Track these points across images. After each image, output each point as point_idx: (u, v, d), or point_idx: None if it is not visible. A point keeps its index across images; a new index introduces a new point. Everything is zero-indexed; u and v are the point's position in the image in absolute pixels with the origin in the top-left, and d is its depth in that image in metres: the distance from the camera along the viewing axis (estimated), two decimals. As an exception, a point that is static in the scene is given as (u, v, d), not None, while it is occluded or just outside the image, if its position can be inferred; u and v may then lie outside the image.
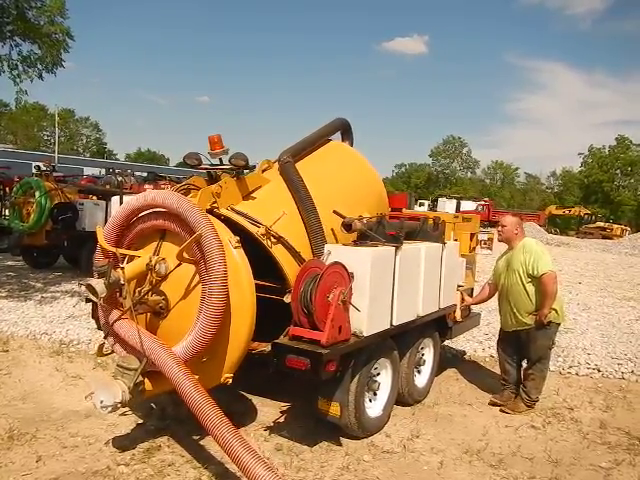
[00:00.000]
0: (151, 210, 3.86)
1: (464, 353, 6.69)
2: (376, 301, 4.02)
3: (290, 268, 4.09)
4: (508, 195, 75.27)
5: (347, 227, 4.38)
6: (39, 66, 10.50)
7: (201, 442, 3.99)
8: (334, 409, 3.95)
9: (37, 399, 4.75)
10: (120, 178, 13.71)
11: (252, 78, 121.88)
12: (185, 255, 3.69)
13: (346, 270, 3.85)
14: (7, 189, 14.37)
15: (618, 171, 60.74)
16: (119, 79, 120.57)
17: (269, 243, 4.07)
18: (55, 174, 12.61)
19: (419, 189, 70.07)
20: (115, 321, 3.86)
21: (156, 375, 3.68)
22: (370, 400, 4.29)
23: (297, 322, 3.76)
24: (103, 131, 79.58)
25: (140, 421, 4.33)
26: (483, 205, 39.53)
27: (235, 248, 3.76)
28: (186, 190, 4.44)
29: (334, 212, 4.56)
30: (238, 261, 3.74)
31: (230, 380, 3.80)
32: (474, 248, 6.01)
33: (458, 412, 4.89)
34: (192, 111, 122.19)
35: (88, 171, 31.83)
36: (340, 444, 4.08)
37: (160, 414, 4.48)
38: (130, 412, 4.37)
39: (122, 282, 3.70)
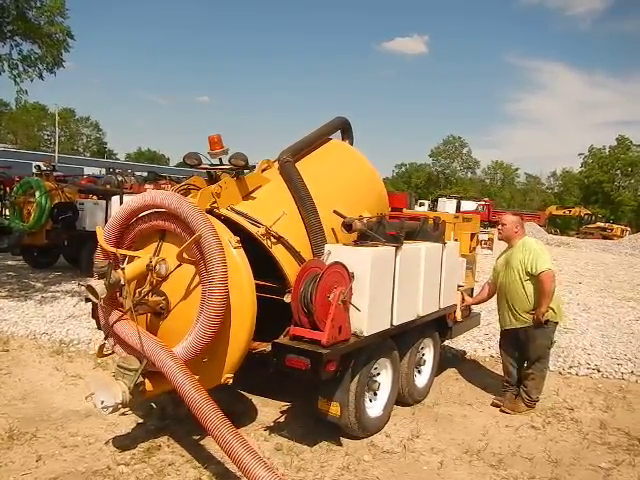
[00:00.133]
0: (151, 210, 3.86)
1: (464, 353, 6.69)
2: (376, 301, 4.02)
3: (290, 268, 4.09)
4: (508, 195, 75.29)
5: (347, 227, 4.38)
6: (39, 66, 10.51)
7: (201, 442, 3.99)
8: (334, 409, 3.95)
9: (37, 399, 4.76)
10: (120, 178, 13.69)
11: (252, 78, 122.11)
12: (185, 256, 3.69)
13: (346, 270, 3.85)
14: (7, 189, 14.37)
15: (618, 171, 60.70)
16: (119, 79, 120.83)
17: (269, 243, 4.07)
18: (55, 174, 12.60)
19: (419, 189, 70.08)
20: (115, 322, 3.86)
21: (156, 375, 3.68)
22: (370, 400, 4.29)
23: (297, 322, 3.76)
24: (103, 131, 79.75)
25: (140, 421, 4.33)
26: (483, 205, 39.52)
27: (235, 248, 3.77)
28: (186, 190, 4.44)
29: (334, 212, 4.56)
30: (238, 261, 3.74)
31: (231, 380, 3.81)
32: (474, 248, 6.01)
33: (458, 412, 4.89)
34: (192, 111, 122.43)
35: (88, 171, 31.82)
36: (340, 444, 4.08)
37: (160, 414, 4.49)
38: (130, 412, 4.37)
39: (122, 283, 3.70)
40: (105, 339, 4.08)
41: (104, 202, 11.10)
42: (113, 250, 3.88)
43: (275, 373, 3.86)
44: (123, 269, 3.76)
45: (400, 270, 4.25)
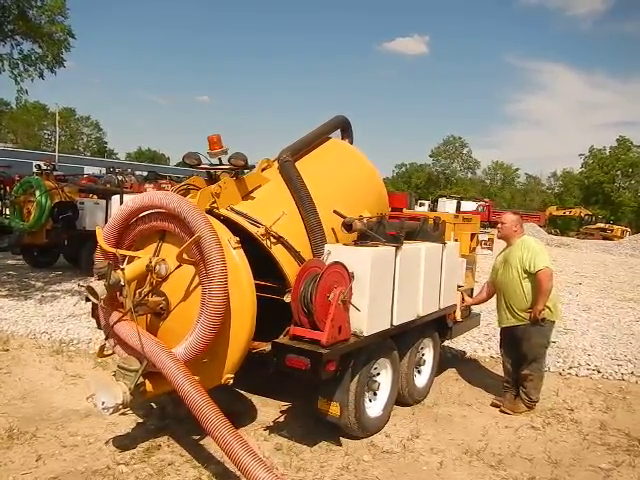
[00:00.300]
0: (150, 211, 3.86)
1: (464, 353, 6.69)
2: (376, 301, 4.02)
3: (290, 268, 4.08)
4: (508, 196, 75.23)
5: (347, 227, 4.38)
6: (40, 65, 10.52)
7: (201, 442, 4.00)
8: (334, 409, 3.95)
9: (37, 398, 4.76)
10: (120, 177, 13.70)
11: (252, 78, 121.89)
12: (185, 256, 3.68)
13: (346, 270, 3.85)
14: (8, 188, 14.37)
15: (619, 172, 60.67)
16: (119, 79, 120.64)
17: (269, 243, 4.07)
18: (55, 173, 12.61)
19: (419, 189, 70.03)
20: (115, 322, 3.86)
21: (157, 376, 3.68)
22: (370, 400, 4.29)
23: (297, 322, 3.76)
24: (104, 130, 79.67)
25: (140, 420, 4.33)
26: (483, 206, 39.52)
27: (235, 249, 3.76)
28: (185, 190, 4.44)
29: (334, 212, 4.56)
30: (238, 262, 3.74)
31: (231, 380, 3.81)
32: (474, 248, 6.01)
33: (458, 412, 4.89)
34: (192, 111, 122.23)
35: (88, 170, 31.80)
36: (340, 444, 4.08)
37: (160, 413, 4.49)
38: (130, 411, 4.37)
39: (122, 283, 3.70)
40: (105, 339, 4.08)
41: (104, 202, 11.12)
42: (113, 250, 3.88)
43: (275, 373, 3.86)
44: (123, 270, 3.75)
45: (400, 270, 4.25)
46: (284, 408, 4.73)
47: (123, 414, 4.26)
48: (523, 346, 4.82)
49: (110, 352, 4.15)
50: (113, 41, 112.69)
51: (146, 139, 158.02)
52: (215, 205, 4.16)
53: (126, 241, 3.99)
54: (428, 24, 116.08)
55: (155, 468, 3.62)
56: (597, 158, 61.16)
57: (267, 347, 3.92)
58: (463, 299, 5.53)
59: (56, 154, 42.28)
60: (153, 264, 3.78)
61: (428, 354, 5.20)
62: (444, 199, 42.07)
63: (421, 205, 37.98)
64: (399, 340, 4.52)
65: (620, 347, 7.00)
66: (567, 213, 46.00)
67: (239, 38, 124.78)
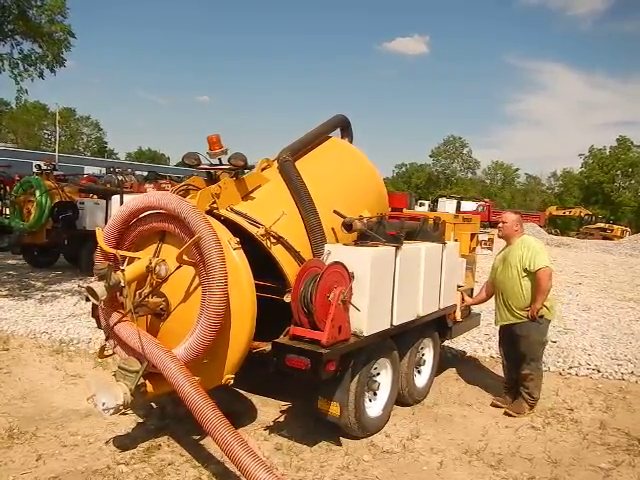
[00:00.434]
0: (150, 212, 3.86)
1: (464, 353, 6.69)
2: (376, 301, 4.02)
3: (290, 268, 4.09)
4: (508, 196, 75.20)
5: (347, 227, 4.38)
6: (40, 65, 10.53)
7: (201, 441, 4.00)
8: (334, 409, 3.95)
9: (37, 398, 4.76)
10: (120, 177, 13.71)
11: (252, 78, 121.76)
12: (185, 257, 3.68)
13: (346, 270, 3.85)
14: (8, 188, 14.38)
15: (619, 172, 60.67)
16: (120, 79, 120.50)
17: (269, 243, 4.07)
18: (56, 173, 12.62)
19: (419, 189, 70.00)
20: (116, 323, 3.86)
21: (157, 377, 3.68)
22: (370, 400, 4.29)
23: (297, 322, 3.77)
24: (104, 130, 79.63)
25: (140, 420, 4.33)
26: (483, 206, 39.50)
27: (235, 249, 3.76)
28: (185, 191, 4.44)
29: (334, 212, 4.56)
30: (238, 262, 3.74)
31: (231, 381, 3.81)
32: (474, 248, 6.01)
33: (458, 412, 4.89)
34: (192, 111, 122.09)
35: (89, 170, 31.81)
36: (340, 444, 4.08)
37: (160, 413, 4.49)
38: (130, 411, 4.35)
39: (122, 284, 3.70)
40: (106, 340, 4.09)
41: (104, 201, 11.12)
42: (113, 251, 3.88)
43: (275, 373, 3.86)
44: (123, 270, 3.75)
45: (400, 270, 4.25)
46: (284, 408, 4.73)
47: (123, 414, 4.25)
48: (521, 344, 4.82)
49: (111, 353, 4.15)
50: (113, 41, 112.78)
51: (146, 139, 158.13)
52: (215, 205, 4.16)
53: (126, 242, 3.99)
54: (428, 24, 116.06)
55: (155, 468, 3.63)
56: (597, 158, 61.16)
57: (267, 347, 3.93)
58: (463, 299, 5.54)
59: (56, 154, 42.28)
60: (153, 265, 3.78)
61: (428, 354, 5.20)
62: (444, 199, 42.02)
63: (421, 205, 37.95)
64: (399, 340, 4.52)
65: (620, 347, 7.00)
66: (567, 213, 45.98)
67: (239, 38, 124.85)
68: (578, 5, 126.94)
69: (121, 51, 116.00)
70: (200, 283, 3.64)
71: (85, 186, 12.98)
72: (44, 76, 10.77)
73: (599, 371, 6.10)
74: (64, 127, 68.82)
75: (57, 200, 11.17)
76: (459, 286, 5.46)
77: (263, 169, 4.86)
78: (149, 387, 3.76)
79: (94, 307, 4.40)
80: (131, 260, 3.95)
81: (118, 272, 3.72)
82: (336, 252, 4.02)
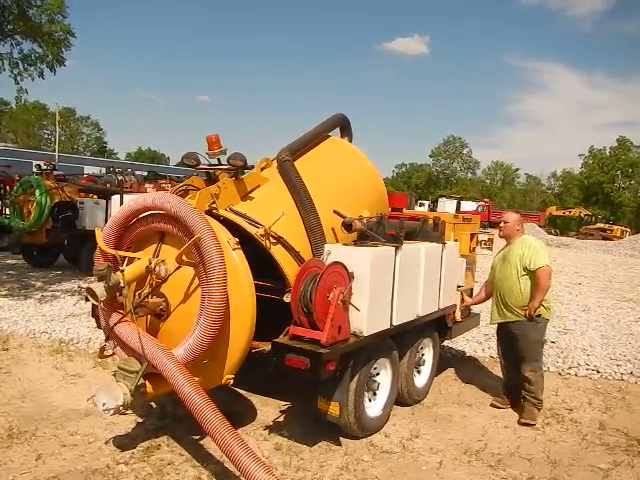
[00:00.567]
0: (150, 212, 3.85)
1: (464, 353, 6.70)
2: (376, 301, 4.02)
3: (290, 268, 4.09)
4: (508, 196, 75.22)
5: (347, 227, 4.38)
6: (40, 65, 10.53)
7: (200, 441, 4.00)
8: (333, 409, 3.96)
9: (37, 397, 4.76)
10: (120, 177, 13.71)
11: (252, 78, 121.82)
12: (184, 258, 3.68)
13: (346, 270, 3.85)
14: (7, 188, 14.38)
15: (619, 172, 60.70)
16: (119, 78, 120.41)
17: (268, 244, 4.07)
18: (55, 173, 12.63)
19: (419, 189, 70.01)
20: (116, 324, 3.86)
21: (157, 377, 3.68)
22: (369, 400, 4.29)
23: (297, 322, 3.77)
24: (104, 130, 79.63)
25: (139, 420, 4.33)
26: (483, 206, 39.51)
27: (234, 250, 3.76)
28: (185, 191, 4.44)
29: (334, 212, 4.57)
30: (237, 263, 3.74)
31: (231, 381, 3.81)
32: (474, 248, 6.01)
33: (457, 412, 4.89)
34: (192, 111, 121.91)
35: (88, 170, 31.80)
36: (339, 444, 4.08)
37: (159, 413, 4.49)
38: (129, 411, 4.36)
39: (122, 285, 3.70)
40: (106, 341, 4.09)
41: (104, 201, 11.12)
42: (112, 252, 3.88)
43: (275, 373, 3.86)
44: (122, 271, 3.75)
45: (400, 270, 4.25)
46: (284, 408, 4.73)
47: (123, 414, 4.27)
48: (520, 344, 4.81)
49: (111, 353, 4.15)
50: (113, 40, 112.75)
51: (146, 139, 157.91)
52: (214, 206, 4.16)
53: (125, 242, 3.99)
54: (428, 24, 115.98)
55: (155, 467, 3.63)
56: (597, 158, 61.19)
57: (267, 347, 3.93)
58: (463, 299, 5.54)
59: (56, 154, 42.30)
60: (153, 265, 3.78)
61: (428, 354, 5.20)
62: (444, 199, 42.04)
63: (421, 205, 37.98)
64: (399, 340, 4.53)
65: (619, 347, 7.00)
66: (567, 213, 45.98)
67: (239, 38, 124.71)
68: (578, 5, 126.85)
69: (121, 51, 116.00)
70: (200, 283, 3.64)
71: (85, 186, 12.99)
72: (44, 76, 10.78)
73: (598, 371, 6.10)
74: (64, 127, 68.84)
75: (57, 200, 11.17)
76: (459, 286, 5.46)
77: (262, 169, 4.86)
78: (149, 387, 3.76)
79: (94, 307, 4.40)
80: (131, 260, 3.94)
81: (118, 273, 3.73)
82: (336, 252, 4.03)
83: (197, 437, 4.04)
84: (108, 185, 12.88)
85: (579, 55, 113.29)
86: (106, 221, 6.51)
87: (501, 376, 5.32)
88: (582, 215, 45.05)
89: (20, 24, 10.25)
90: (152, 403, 4.59)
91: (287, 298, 3.94)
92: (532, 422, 4.65)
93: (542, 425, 4.67)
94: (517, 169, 79.28)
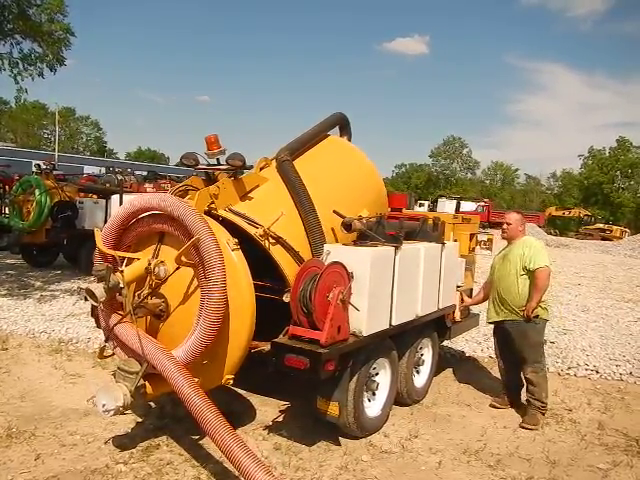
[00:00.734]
0: (149, 213, 3.85)
1: (463, 353, 6.70)
2: (375, 301, 4.02)
3: (289, 268, 4.09)
4: (508, 196, 75.24)
5: (347, 227, 4.38)
6: (40, 64, 10.52)
7: (200, 441, 4.00)
8: (333, 409, 3.96)
9: (36, 397, 4.76)
10: (120, 177, 13.71)
11: (252, 78, 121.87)
12: (184, 259, 3.68)
13: (345, 270, 3.85)
14: (7, 187, 14.38)
15: (618, 173, 60.69)
16: (119, 78, 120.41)
17: (267, 244, 4.07)
18: (55, 172, 12.62)
19: (419, 189, 69.95)
20: (115, 325, 3.86)
21: (157, 377, 3.68)
22: (369, 400, 4.29)
23: (296, 321, 3.77)
24: (103, 130, 79.63)
25: (139, 420, 4.33)
26: (483, 206, 39.51)
27: (233, 250, 3.76)
28: (184, 191, 4.44)
29: (334, 212, 4.57)
30: (237, 263, 3.74)
31: (231, 381, 3.82)
32: (473, 249, 6.02)
33: (456, 412, 4.89)
34: (192, 110, 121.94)
35: (88, 170, 31.84)
36: (339, 444, 4.08)
37: (159, 413, 4.49)
38: (129, 411, 4.36)
39: (121, 286, 3.69)
40: (105, 342, 4.09)
41: (104, 201, 11.12)
42: (112, 252, 3.87)
43: (274, 372, 3.87)
44: (122, 272, 3.75)
45: (399, 270, 4.25)
46: (283, 408, 4.73)
47: (122, 413, 4.27)
48: (520, 345, 4.79)
49: (110, 353, 4.15)
50: (113, 40, 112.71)
51: (146, 139, 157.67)
52: (213, 206, 4.16)
53: (125, 243, 3.99)
54: (428, 24, 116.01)
55: (154, 467, 3.63)
56: (597, 159, 61.19)
57: (266, 347, 3.93)
58: (462, 299, 5.54)
59: (56, 153, 42.28)
60: (152, 266, 3.77)
61: (427, 354, 5.21)
62: (444, 199, 42.03)
63: (421, 205, 37.97)
64: (398, 340, 4.53)
65: (618, 347, 7.01)
66: (566, 214, 45.99)
67: (239, 38, 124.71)
68: (578, 6, 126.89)
69: (121, 51, 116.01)
70: (199, 284, 3.64)
71: (84, 186, 12.99)
72: (44, 75, 10.77)
73: (598, 372, 6.11)
74: (64, 127, 68.79)
75: (56, 200, 11.16)
76: (458, 286, 5.47)
77: (261, 168, 4.86)
78: (149, 388, 3.76)
79: (93, 306, 4.40)
80: (130, 261, 3.94)
81: (117, 273, 3.72)
82: (335, 252, 4.03)
83: (196, 437, 4.04)
84: (108, 185, 12.89)
85: (579, 55, 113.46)
86: (106, 221, 6.51)
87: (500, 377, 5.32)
88: (581, 215, 45.07)
89: (20, 23, 10.23)
90: (151, 403, 4.59)
91: (286, 298, 3.94)
92: (534, 427, 4.61)
93: (541, 425, 4.67)
94: (517, 169, 79.40)
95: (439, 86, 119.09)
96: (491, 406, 5.05)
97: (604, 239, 35.14)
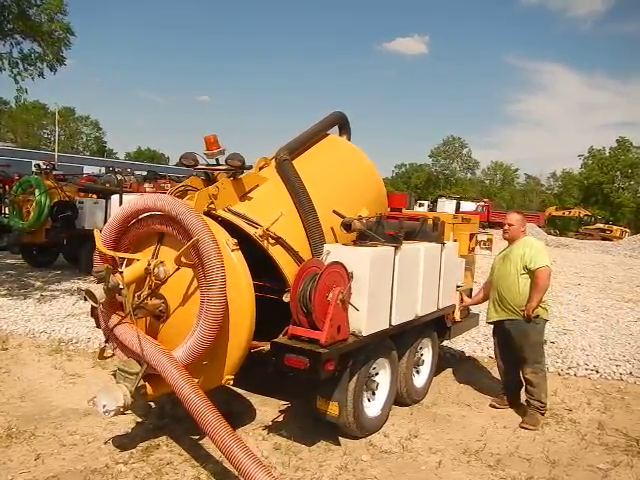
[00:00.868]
0: (148, 213, 3.85)
1: (463, 353, 6.70)
2: (375, 301, 4.02)
3: (289, 268, 4.08)
4: (508, 196, 75.25)
5: (346, 227, 4.38)
6: (40, 64, 10.52)
7: (199, 441, 4.00)
8: (333, 409, 3.96)
9: (36, 397, 4.76)
10: (120, 177, 13.71)
11: (252, 78, 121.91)
12: (183, 259, 3.68)
13: (345, 270, 3.85)
14: (7, 187, 14.37)
15: (618, 173, 60.70)
16: (119, 78, 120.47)
17: (267, 244, 4.07)
18: (55, 172, 12.62)
19: (419, 189, 69.96)
20: (115, 325, 3.86)
21: (157, 378, 3.68)
22: (369, 400, 4.29)
23: (296, 321, 3.77)
24: (103, 130, 79.63)
25: (139, 420, 4.33)
26: (482, 206, 39.51)
27: (233, 251, 3.76)
28: (183, 191, 4.44)
29: (334, 212, 4.56)
30: (236, 264, 3.73)
31: (231, 382, 3.82)
32: (473, 249, 6.01)
33: (456, 412, 4.89)
34: (192, 110, 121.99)
35: (88, 170, 31.81)
36: (338, 444, 4.08)
37: (159, 413, 4.49)
38: (129, 411, 4.36)
39: (121, 286, 3.69)
40: (105, 342, 4.09)
41: (104, 201, 11.13)
42: (111, 253, 3.87)
43: (274, 372, 3.87)
44: (121, 273, 3.75)
45: (399, 270, 4.25)
46: (283, 408, 4.73)
47: (122, 414, 4.27)
48: (519, 345, 4.79)
49: (110, 354, 4.15)
50: (113, 40, 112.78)
51: (146, 139, 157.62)
52: (213, 206, 4.16)
53: (124, 243, 3.98)
54: (428, 24, 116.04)
55: (154, 467, 3.63)
56: (597, 159, 61.19)
57: (266, 347, 3.93)
58: (462, 299, 5.54)
59: (55, 153, 42.30)
60: (152, 267, 3.77)
61: (427, 354, 5.21)
62: (443, 199, 42.03)
63: (420, 205, 37.97)
64: (398, 340, 4.53)
65: (618, 347, 7.01)
66: (566, 213, 45.99)
67: (239, 38, 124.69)
68: (578, 6, 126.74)
69: (121, 50, 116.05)
70: (199, 285, 3.64)
71: (84, 186, 12.99)
72: (44, 75, 10.77)
73: (598, 372, 6.11)
74: (63, 126, 68.80)
75: (56, 199, 11.16)
76: (458, 286, 5.46)
77: (261, 168, 4.86)
78: (149, 389, 3.76)
79: (93, 307, 4.40)
80: (130, 262, 3.94)
81: (117, 274, 3.72)
82: (335, 252, 4.03)
83: (196, 437, 4.04)
84: (107, 185, 12.89)
85: (579, 56, 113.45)
86: (105, 221, 6.50)
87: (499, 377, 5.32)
88: (581, 215, 45.08)
89: (20, 23, 10.23)
90: (151, 403, 4.59)
91: (286, 298, 3.94)
92: (533, 427, 4.61)
93: (541, 425, 4.67)
94: (517, 169, 79.38)
95: (439, 86, 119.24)
96: (491, 406, 5.05)
97: (604, 239, 35.14)
